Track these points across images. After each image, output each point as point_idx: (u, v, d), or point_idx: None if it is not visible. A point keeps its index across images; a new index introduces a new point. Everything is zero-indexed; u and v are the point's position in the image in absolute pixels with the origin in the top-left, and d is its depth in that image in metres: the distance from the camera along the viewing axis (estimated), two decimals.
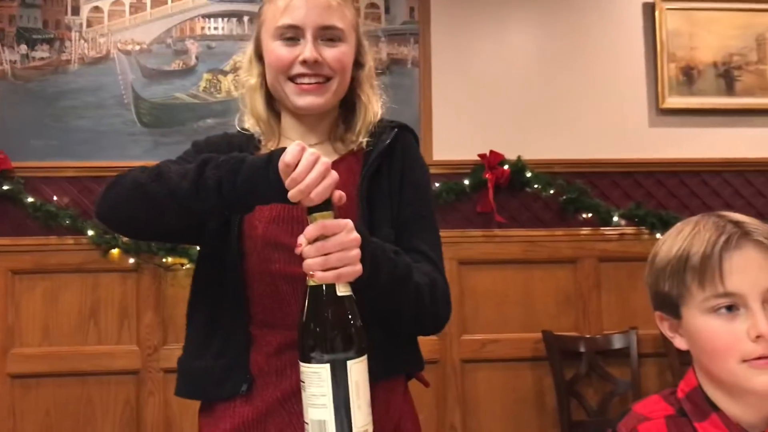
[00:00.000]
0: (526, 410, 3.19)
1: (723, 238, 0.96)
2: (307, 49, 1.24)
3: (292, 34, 1.25)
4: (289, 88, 1.26)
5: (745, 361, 0.94)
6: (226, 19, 3.26)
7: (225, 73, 3.23)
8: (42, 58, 3.14)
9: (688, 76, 3.42)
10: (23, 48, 3.13)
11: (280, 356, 1.20)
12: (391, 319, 1.20)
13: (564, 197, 3.27)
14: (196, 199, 1.10)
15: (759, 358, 0.94)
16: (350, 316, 1.02)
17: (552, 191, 3.26)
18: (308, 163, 1.01)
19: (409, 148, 1.31)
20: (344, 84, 1.29)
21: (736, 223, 0.98)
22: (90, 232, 3.02)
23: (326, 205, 1.02)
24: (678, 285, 0.99)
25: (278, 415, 1.19)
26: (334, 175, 1.02)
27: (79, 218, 3.06)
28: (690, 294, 0.98)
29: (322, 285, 1.02)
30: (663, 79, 3.39)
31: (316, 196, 1.00)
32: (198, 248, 1.33)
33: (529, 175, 3.23)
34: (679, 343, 1.03)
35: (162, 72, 3.21)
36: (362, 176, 1.26)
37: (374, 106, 1.32)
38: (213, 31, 3.25)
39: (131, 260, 3.05)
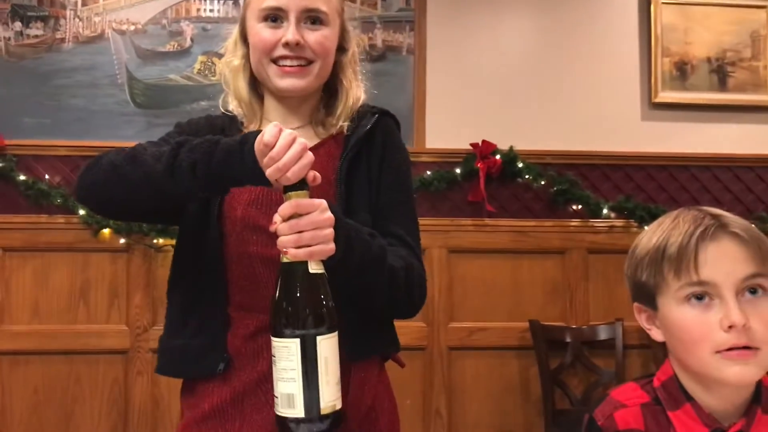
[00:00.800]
0: (511, 398, 3.22)
1: (700, 230, 0.98)
2: (289, 32, 1.24)
3: (275, 16, 1.26)
4: (272, 70, 1.27)
5: (717, 351, 0.95)
6: (221, 2, 3.25)
7: (220, 56, 3.20)
8: (36, 36, 3.13)
9: (682, 71, 3.44)
10: (17, 25, 3.12)
11: (256, 339, 1.21)
12: (365, 301, 1.21)
13: (554, 188, 3.29)
14: (170, 182, 1.11)
15: (731, 348, 0.94)
16: (321, 294, 1.04)
17: (543, 182, 3.28)
18: (286, 142, 1.03)
19: (389, 133, 1.32)
20: (326, 67, 1.29)
21: (715, 216, 1.00)
22: (81, 212, 3.03)
23: (302, 184, 1.05)
24: (655, 275, 1.00)
25: (255, 396, 1.21)
26: (309, 155, 1.05)
27: (71, 197, 3.06)
28: (666, 284, 1.00)
29: (295, 262, 1.04)
30: (656, 73, 3.40)
31: (293, 174, 1.03)
32: (178, 228, 1.33)
33: (520, 165, 3.25)
34: (656, 334, 1.04)
35: (156, 53, 3.20)
36: (341, 161, 1.26)
37: (356, 91, 1.33)
38: (209, 13, 3.24)
39: (122, 240, 3.06)
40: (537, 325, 3.16)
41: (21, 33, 3.12)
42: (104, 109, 3.14)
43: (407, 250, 1.25)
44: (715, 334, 0.95)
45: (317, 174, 1.08)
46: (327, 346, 1.02)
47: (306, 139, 1.08)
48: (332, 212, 1.08)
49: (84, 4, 3.17)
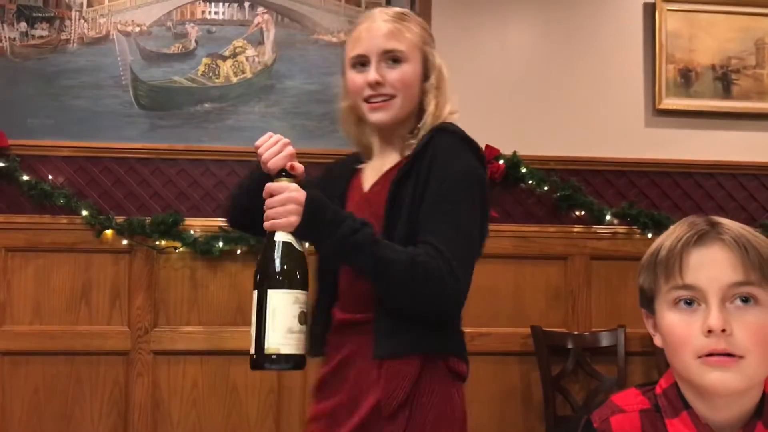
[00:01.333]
0: (512, 404, 3.21)
1: (690, 234, 0.98)
2: (370, 73, 1.44)
3: (361, 62, 1.46)
4: (364, 108, 1.47)
5: (699, 357, 0.95)
6: (227, 4, 3.26)
7: (224, 58, 3.23)
8: (41, 37, 3.14)
9: (686, 78, 3.44)
10: (23, 26, 3.13)
11: (341, 331, 1.45)
12: (383, 297, 1.35)
13: (558, 194, 3.28)
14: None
15: (711, 354, 0.94)
16: (280, 257, 1.28)
17: (546, 188, 3.27)
18: (267, 141, 1.39)
19: (440, 149, 1.40)
20: (410, 98, 1.46)
21: (711, 223, 0.99)
22: (84, 212, 3.03)
23: (286, 174, 1.33)
24: (651, 279, 1.01)
25: (334, 377, 1.45)
26: (288, 149, 1.37)
27: (74, 198, 3.06)
28: (659, 288, 1.00)
29: (269, 233, 1.30)
30: (661, 79, 3.40)
31: (272, 165, 1.36)
32: None
33: (524, 170, 3.25)
34: (657, 340, 1.04)
35: (161, 54, 3.20)
36: (393, 179, 1.42)
37: (437, 112, 1.47)
38: (213, 16, 3.25)
39: (124, 241, 3.06)
40: (539, 331, 3.15)
41: (26, 34, 3.13)
42: (108, 110, 3.14)
43: (429, 250, 1.31)
44: (697, 338, 0.95)
45: (296, 165, 1.37)
46: (277, 299, 1.25)
47: (394, 162, 1.44)
48: (310, 196, 1.30)
49: (89, 6, 3.18)
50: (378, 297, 1.35)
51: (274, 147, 1.37)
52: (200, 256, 3.09)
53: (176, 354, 3.08)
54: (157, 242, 3.07)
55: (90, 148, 3.10)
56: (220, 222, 3.13)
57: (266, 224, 1.30)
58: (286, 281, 1.27)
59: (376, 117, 1.45)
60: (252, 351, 1.26)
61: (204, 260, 3.11)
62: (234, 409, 3.10)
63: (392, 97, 1.44)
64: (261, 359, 1.25)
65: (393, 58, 1.44)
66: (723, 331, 0.93)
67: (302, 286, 1.28)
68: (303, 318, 1.27)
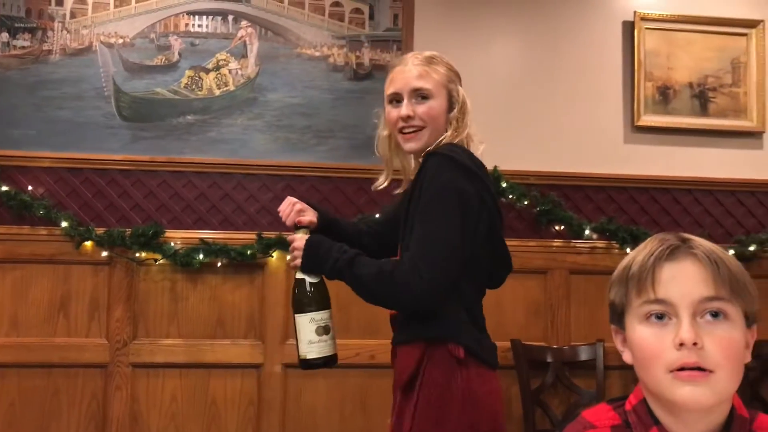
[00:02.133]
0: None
1: (661, 249, 0.99)
2: (402, 109, 1.74)
3: (396, 99, 1.76)
4: (399, 138, 1.77)
5: (670, 371, 0.95)
6: (210, 17, 3.27)
7: (207, 71, 3.24)
8: (23, 47, 3.13)
9: (664, 95, 3.49)
10: (5, 36, 3.12)
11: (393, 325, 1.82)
12: (368, 303, 1.70)
13: (538, 209, 3.32)
14: None
15: (681, 369, 0.94)
16: (299, 291, 1.74)
17: (526, 202, 3.30)
18: (283, 205, 1.84)
19: (427, 169, 1.66)
20: (438, 128, 1.74)
21: (682, 239, 1.01)
22: (64, 223, 3.01)
23: (300, 227, 1.79)
24: (623, 294, 1.02)
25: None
26: (296, 208, 1.81)
27: (54, 209, 3.04)
28: (630, 303, 1.01)
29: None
30: (639, 96, 3.45)
31: (287, 222, 1.82)
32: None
33: (504, 185, 3.28)
34: (627, 357, 1.05)
35: (144, 66, 3.21)
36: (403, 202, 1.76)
37: (452, 138, 1.72)
38: (197, 29, 3.26)
39: (104, 253, 3.04)
40: (518, 345, 3.17)
41: (8, 44, 3.12)
42: (90, 122, 3.13)
43: (405, 258, 1.62)
44: (668, 352, 0.95)
45: (303, 219, 1.80)
46: (299, 320, 1.73)
47: None
48: (313, 243, 1.72)
49: (72, 17, 3.17)
50: None
51: (286, 209, 1.82)
52: (180, 269, 3.09)
53: (155, 367, 3.06)
54: (137, 254, 3.05)
55: (71, 159, 3.09)
56: (201, 234, 3.12)
57: (290, 265, 1.81)
58: (302, 306, 1.73)
59: (409, 146, 1.76)
60: (298, 357, 1.76)
61: (184, 272, 3.10)
62: (213, 422, 3.08)
63: (421, 128, 1.74)
64: (300, 363, 1.74)
65: (421, 95, 1.74)
66: (695, 344, 0.94)
67: (318, 308, 1.72)
68: (321, 331, 1.71)
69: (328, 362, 1.72)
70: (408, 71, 1.75)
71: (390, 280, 1.61)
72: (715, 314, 0.96)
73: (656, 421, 1.00)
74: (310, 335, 1.70)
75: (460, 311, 1.67)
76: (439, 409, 1.61)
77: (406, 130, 1.75)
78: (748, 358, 0.98)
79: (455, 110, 1.76)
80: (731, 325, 0.96)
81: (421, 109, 1.73)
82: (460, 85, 1.81)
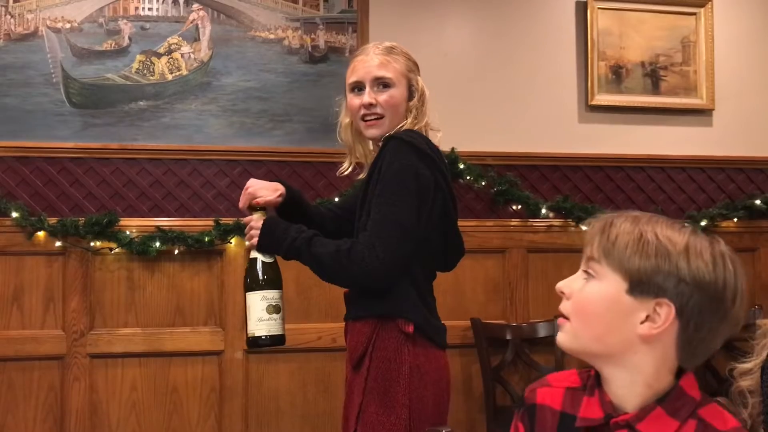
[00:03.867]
0: (453, 395, 3.19)
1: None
2: (365, 97, 1.80)
3: (358, 87, 1.82)
4: (361, 125, 1.83)
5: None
6: (161, 1, 3.20)
7: (159, 55, 3.17)
8: None
9: (617, 75, 3.54)
10: None
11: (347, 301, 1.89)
12: (324, 280, 1.76)
13: (495, 189, 3.35)
14: None
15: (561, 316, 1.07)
16: (250, 268, 1.76)
17: (483, 183, 3.33)
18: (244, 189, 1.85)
19: (387, 153, 1.72)
20: (397, 116, 1.81)
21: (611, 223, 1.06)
22: (14, 214, 2.94)
23: (257, 208, 1.79)
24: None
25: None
26: (249, 191, 1.81)
27: (3, 199, 2.97)
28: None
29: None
30: (593, 76, 3.49)
31: (241, 203, 1.83)
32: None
33: (461, 166, 3.30)
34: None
35: (93, 52, 3.13)
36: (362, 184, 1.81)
37: (412, 126, 1.79)
38: (147, 12, 3.19)
39: (58, 243, 2.98)
40: (478, 324, 3.20)
41: None
42: (39, 109, 3.05)
43: (362, 237, 1.68)
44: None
45: (259, 201, 1.79)
46: (251, 299, 1.73)
47: None
48: (270, 223, 1.75)
49: (16, 1, 3.08)
50: None
51: (243, 192, 1.84)
52: (137, 257, 3.04)
53: (114, 357, 3.03)
54: (92, 243, 3.00)
55: (20, 147, 3.01)
56: (157, 222, 3.08)
57: (246, 245, 1.81)
58: (254, 285, 1.73)
59: (370, 132, 1.82)
60: (245, 337, 1.77)
61: (140, 261, 3.06)
62: (175, 410, 3.06)
63: (382, 116, 1.79)
64: (247, 340, 1.75)
65: (383, 83, 1.80)
66: (563, 293, 1.08)
67: (270, 287, 1.73)
68: (271, 309, 1.72)
69: (275, 341, 1.72)
70: (369, 60, 1.81)
71: (347, 258, 1.65)
72: (588, 275, 1.05)
73: (599, 385, 1.06)
74: (260, 313, 1.71)
75: (412, 291, 1.73)
76: (386, 382, 1.69)
77: (368, 118, 1.80)
78: (635, 328, 1.00)
79: (415, 99, 1.83)
80: (595, 283, 1.04)
81: (383, 97, 1.79)
82: (419, 75, 1.87)
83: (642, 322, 0.99)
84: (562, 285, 1.08)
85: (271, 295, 1.72)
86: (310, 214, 1.93)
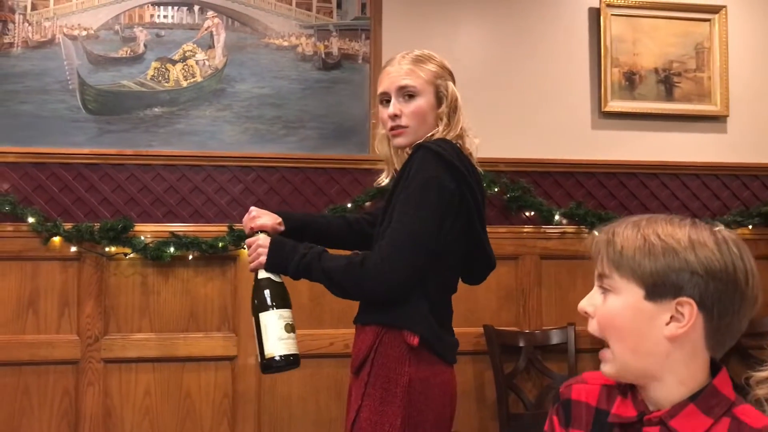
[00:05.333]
0: (466, 403, 3.25)
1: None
2: (390, 108, 1.79)
3: (385, 98, 1.81)
4: (390, 135, 1.82)
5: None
6: (176, 8, 3.23)
7: (174, 62, 3.20)
8: None
9: (630, 81, 3.53)
10: None
11: None
12: (337, 296, 1.73)
13: (508, 195, 3.34)
14: None
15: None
16: (262, 289, 1.72)
17: (496, 189, 3.33)
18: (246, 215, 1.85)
19: (413, 161, 1.70)
20: (425, 126, 1.78)
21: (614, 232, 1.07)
22: (30, 219, 2.97)
23: (260, 232, 1.78)
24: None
25: None
26: (251, 216, 1.82)
27: (20, 204, 3.00)
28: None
29: (255, 272, 1.75)
30: (606, 82, 3.49)
31: (245, 228, 1.83)
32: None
33: None
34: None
35: (109, 59, 3.16)
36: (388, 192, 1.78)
37: (444, 134, 1.76)
38: (162, 20, 3.22)
39: (73, 248, 3.01)
40: (491, 330, 3.20)
41: None
42: (55, 115, 3.08)
43: (377, 248, 1.66)
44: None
45: (264, 225, 1.80)
46: (266, 319, 1.68)
47: None
48: (277, 240, 1.75)
49: (34, 9, 3.12)
50: None
51: (244, 220, 1.84)
52: (151, 262, 3.06)
53: (128, 362, 3.04)
54: (107, 249, 3.02)
55: (36, 153, 3.04)
56: (171, 227, 3.10)
57: (250, 266, 1.76)
58: (269, 305, 1.70)
59: (397, 142, 1.81)
60: (259, 359, 1.71)
61: (155, 266, 3.08)
62: (188, 415, 3.07)
63: (407, 126, 1.77)
64: (265, 363, 1.68)
65: (408, 93, 1.78)
66: (585, 313, 1.07)
67: (284, 305, 1.70)
68: (289, 328, 1.69)
69: (293, 362, 1.68)
70: (394, 71, 1.80)
71: (359, 270, 1.64)
72: (605, 290, 1.05)
73: (633, 387, 1.07)
74: (279, 332, 1.66)
75: (423, 303, 1.69)
76: (384, 392, 1.67)
77: (395, 129, 1.79)
78: (662, 331, 1.01)
79: (443, 106, 1.80)
80: (613, 298, 1.04)
81: (408, 107, 1.77)
82: (452, 81, 1.84)
83: (667, 324, 1.01)
84: (584, 305, 1.06)
85: (287, 314, 1.70)
86: (328, 231, 1.93)
